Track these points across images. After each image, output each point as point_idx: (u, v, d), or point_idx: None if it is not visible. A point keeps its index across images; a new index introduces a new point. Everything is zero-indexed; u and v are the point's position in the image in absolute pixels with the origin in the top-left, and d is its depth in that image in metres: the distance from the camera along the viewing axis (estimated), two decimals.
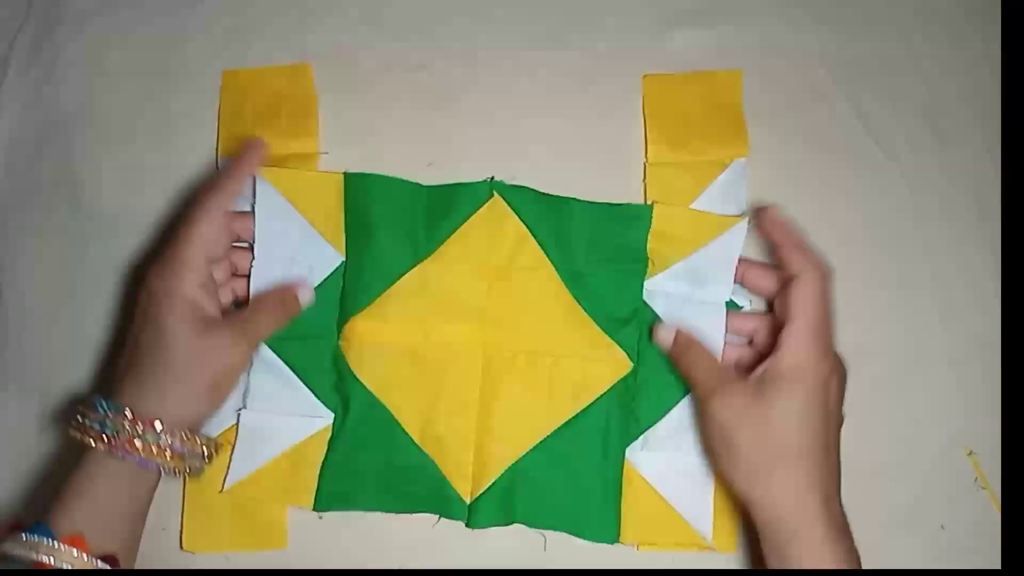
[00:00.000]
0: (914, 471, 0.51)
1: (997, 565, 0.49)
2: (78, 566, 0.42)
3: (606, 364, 0.51)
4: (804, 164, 0.54)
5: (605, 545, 0.50)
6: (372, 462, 0.50)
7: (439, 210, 0.51)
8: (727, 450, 0.47)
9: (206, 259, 0.47)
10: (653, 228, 0.51)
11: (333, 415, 0.51)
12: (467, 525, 0.50)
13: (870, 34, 0.56)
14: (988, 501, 0.50)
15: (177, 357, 0.45)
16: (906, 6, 0.56)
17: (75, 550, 0.42)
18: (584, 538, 0.50)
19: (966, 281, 0.53)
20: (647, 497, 0.50)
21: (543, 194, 0.52)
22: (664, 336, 0.50)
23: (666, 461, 0.51)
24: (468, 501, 0.50)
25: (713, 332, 0.50)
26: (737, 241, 0.51)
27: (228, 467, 0.50)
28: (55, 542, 0.42)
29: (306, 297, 0.51)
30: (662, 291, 0.51)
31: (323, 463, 0.51)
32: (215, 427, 0.50)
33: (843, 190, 0.54)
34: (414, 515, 0.51)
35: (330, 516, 0.51)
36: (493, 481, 0.50)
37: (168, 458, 0.45)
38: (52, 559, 0.41)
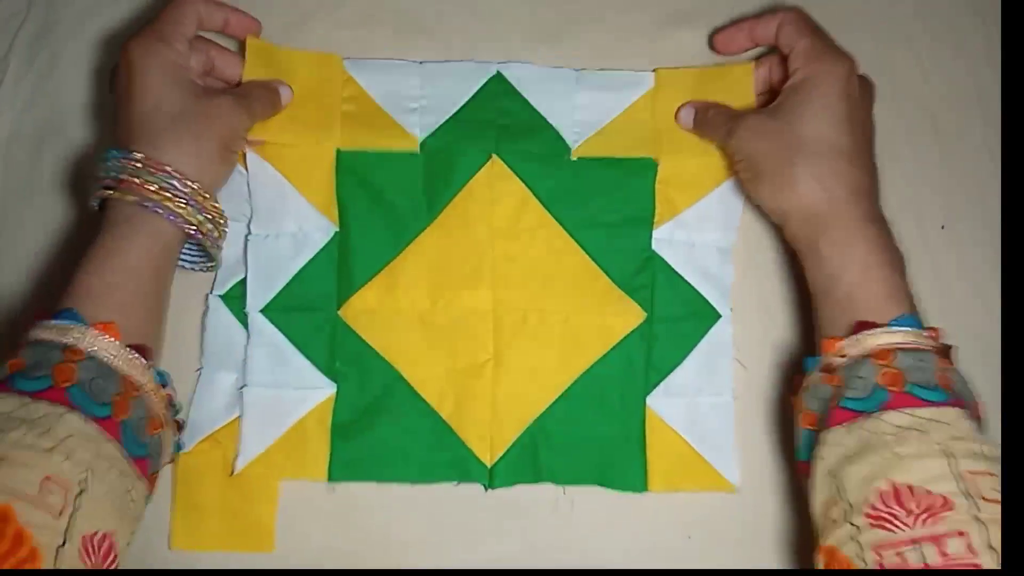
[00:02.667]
0: None
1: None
2: (110, 353, 0.40)
3: (619, 316, 0.51)
4: None
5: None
6: (388, 429, 0.50)
7: (437, 176, 0.52)
8: (752, 170, 0.47)
9: (184, 36, 0.48)
10: (659, 177, 0.52)
11: (335, 385, 0.51)
12: (487, 487, 0.50)
13: (870, 33, 0.56)
14: None
15: (187, 112, 0.46)
16: (906, 5, 0.56)
17: (106, 336, 0.40)
18: (613, 488, 0.50)
19: (966, 280, 0.53)
20: (672, 443, 0.51)
21: (541, 155, 0.52)
22: (685, 115, 0.52)
23: (688, 406, 0.51)
24: (488, 464, 0.50)
25: (722, 275, 0.51)
26: (740, 187, 0.51)
27: (238, 449, 0.50)
28: (85, 327, 0.39)
29: (286, 94, 0.51)
30: (670, 239, 0.52)
31: (335, 432, 0.50)
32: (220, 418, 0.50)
33: None
34: (413, 516, 0.50)
35: (329, 514, 0.50)
36: (514, 441, 0.50)
37: (185, 211, 0.44)
38: (82, 344, 0.39)
